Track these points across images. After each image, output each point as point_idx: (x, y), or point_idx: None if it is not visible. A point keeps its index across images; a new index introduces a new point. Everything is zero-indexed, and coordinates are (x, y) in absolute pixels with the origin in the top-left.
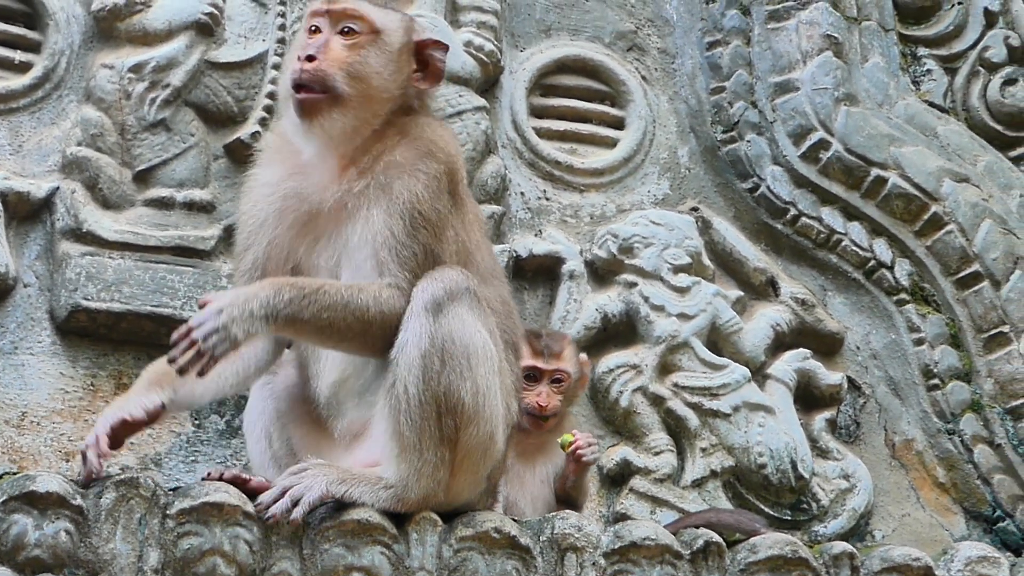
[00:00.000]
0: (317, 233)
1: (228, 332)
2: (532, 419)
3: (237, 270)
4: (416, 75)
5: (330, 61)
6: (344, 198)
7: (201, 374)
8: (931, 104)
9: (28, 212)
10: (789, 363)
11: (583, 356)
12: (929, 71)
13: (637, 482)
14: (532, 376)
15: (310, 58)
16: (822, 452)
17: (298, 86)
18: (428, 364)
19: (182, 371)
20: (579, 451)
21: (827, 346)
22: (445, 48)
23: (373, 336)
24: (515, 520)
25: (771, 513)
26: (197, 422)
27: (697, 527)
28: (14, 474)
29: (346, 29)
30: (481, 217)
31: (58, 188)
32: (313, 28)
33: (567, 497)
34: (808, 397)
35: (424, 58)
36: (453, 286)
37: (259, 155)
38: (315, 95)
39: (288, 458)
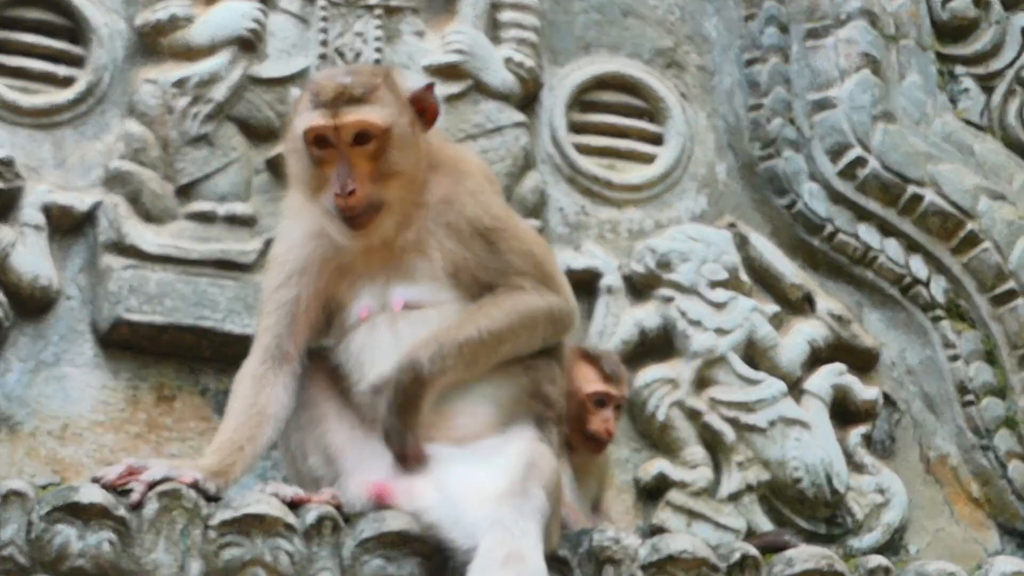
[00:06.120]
0: (361, 272)
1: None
2: (594, 443)
3: (270, 300)
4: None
5: (365, 183)
6: (396, 245)
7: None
8: (968, 122)
9: (71, 226)
10: (825, 378)
11: None
12: (966, 89)
13: (673, 495)
14: (600, 402)
15: (351, 192)
16: (857, 467)
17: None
18: None
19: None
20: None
21: (863, 362)
22: (432, 87)
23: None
24: None
25: (806, 527)
26: None
27: None
28: (57, 485)
29: (361, 138)
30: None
31: (101, 202)
32: (318, 141)
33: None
34: (844, 412)
35: (420, 104)
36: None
37: (287, 211)
38: (362, 215)
39: (325, 468)
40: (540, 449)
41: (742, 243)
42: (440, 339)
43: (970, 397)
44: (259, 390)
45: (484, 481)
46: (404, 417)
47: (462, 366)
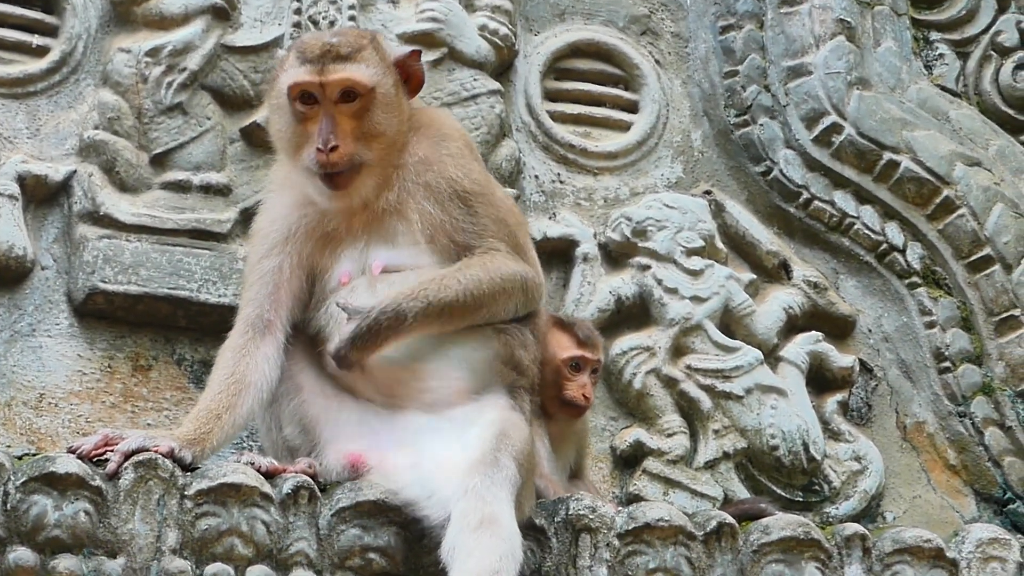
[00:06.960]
0: (343, 238)
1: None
2: (572, 409)
3: (252, 271)
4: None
5: (348, 140)
6: (377, 208)
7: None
8: (943, 88)
9: (46, 195)
10: (801, 346)
11: None
12: (941, 55)
13: (650, 463)
14: (576, 366)
15: (333, 148)
16: (834, 434)
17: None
18: None
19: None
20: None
21: (839, 329)
22: (419, 54)
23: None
24: None
25: (783, 495)
26: None
27: None
28: (33, 455)
29: (346, 96)
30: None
31: (75, 171)
32: (303, 97)
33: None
34: (820, 379)
35: (405, 70)
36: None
37: (270, 184)
38: (344, 173)
39: (302, 437)
40: (512, 419)
41: (718, 210)
42: (428, 296)
43: (946, 364)
44: (238, 360)
45: (456, 452)
46: (362, 349)
47: (439, 324)
